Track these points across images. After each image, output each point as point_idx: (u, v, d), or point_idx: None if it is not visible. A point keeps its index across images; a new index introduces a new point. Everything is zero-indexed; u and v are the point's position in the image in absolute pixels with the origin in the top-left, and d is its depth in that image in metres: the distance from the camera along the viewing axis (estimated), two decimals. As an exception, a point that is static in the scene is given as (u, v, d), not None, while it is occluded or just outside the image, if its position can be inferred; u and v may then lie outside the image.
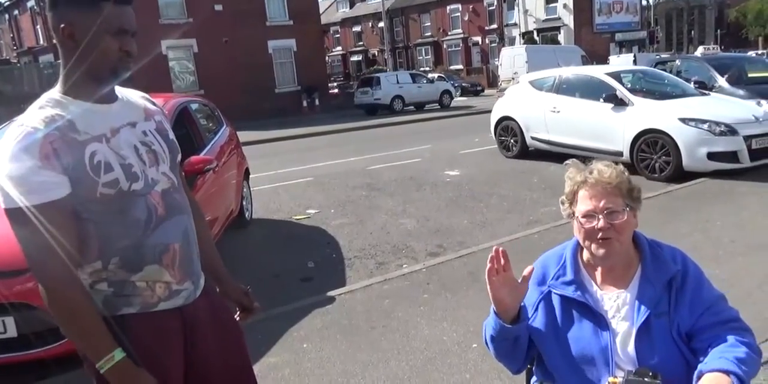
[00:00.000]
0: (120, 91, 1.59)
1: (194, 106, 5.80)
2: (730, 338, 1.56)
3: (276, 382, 3.08)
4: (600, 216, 1.63)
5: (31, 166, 1.32)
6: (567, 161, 1.80)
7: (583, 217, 1.66)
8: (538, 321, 1.74)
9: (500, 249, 1.66)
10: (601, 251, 1.65)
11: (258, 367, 3.22)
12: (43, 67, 26.32)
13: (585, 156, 1.78)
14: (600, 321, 1.67)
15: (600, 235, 1.63)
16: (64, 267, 1.38)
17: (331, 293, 4.25)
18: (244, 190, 6.54)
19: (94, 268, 1.46)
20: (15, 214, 1.34)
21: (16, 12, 35.87)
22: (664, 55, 21.54)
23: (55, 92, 1.47)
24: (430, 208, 6.90)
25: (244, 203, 6.40)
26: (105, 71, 1.45)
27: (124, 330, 1.46)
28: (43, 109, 1.42)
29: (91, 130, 1.43)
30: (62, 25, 1.41)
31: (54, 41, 1.47)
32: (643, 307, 1.63)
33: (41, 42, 30.95)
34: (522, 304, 1.72)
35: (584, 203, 1.67)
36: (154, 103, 1.70)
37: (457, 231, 5.91)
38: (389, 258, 5.22)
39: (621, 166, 1.72)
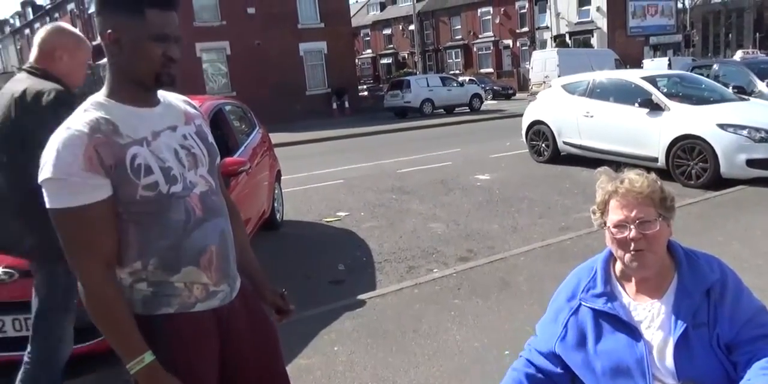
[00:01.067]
0: (162, 94, 1.62)
1: (228, 108, 5.87)
2: None
3: (307, 383, 3.10)
4: (632, 226, 1.61)
5: (75, 168, 1.37)
6: (598, 169, 1.77)
7: (615, 227, 1.64)
8: (569, 337, 1.71)
9: None
10: (635, 264, 1.63)
11: (290, 368, 3.22)
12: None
13: (619, 161, 1.75)
14: (633, 332, 1.64)
15: (633, 246, 1.61)
16: (103, 268, 1.42)
17: (361, 296, 4.26)
18: (276, 191, 6.59)
19: (133, 268, 1.49)
20: (58, 215, 1.40)
21: (56, 15, 36.83)
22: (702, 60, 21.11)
23: (100, 95, 1.51)
24: (461, 212, 6.87)
25: (275, 205, 6.45)
26: (148, 76, 1.49)
27: (162, 329, 1.50)
28: (88, 112, 1.45)
29: (133, 133, 1.46)
30: (108, 31, 1.45)
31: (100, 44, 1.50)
32: (681, 317, 1.60)
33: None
34: None
35: (615, 213, 1.64)
36: (195, 107, 1.73)
37: (488, 236, 5.87)
38: (419, 262, 5.21)
39: (653, 175, 1.69)
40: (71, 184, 1.37)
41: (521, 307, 3.88)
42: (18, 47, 49.64)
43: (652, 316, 1.64)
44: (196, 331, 1.55)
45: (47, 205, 1.40)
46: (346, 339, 3.59)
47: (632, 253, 1.61)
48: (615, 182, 1.66)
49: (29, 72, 2.51)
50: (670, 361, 1.59)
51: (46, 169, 1.38)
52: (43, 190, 1.40)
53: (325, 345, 3.53)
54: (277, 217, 6.55)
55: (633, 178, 1.65)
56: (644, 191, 1.62)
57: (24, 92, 2.37)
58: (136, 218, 1.47)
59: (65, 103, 2.23)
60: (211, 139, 1.69)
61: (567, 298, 1.75)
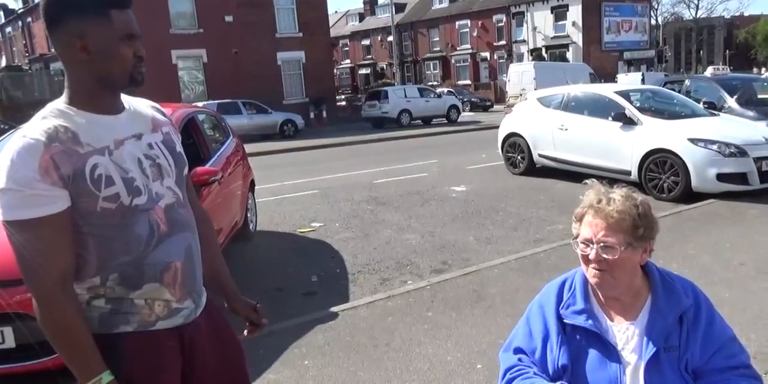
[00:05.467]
0: (128, 100, 1.56)
1: (201, 117, 5.80)
2: None
3: (276, 399, 3.03)
4: (595, 246, 1.58)
5: (29, 179, 1.30)
6: (587, 181, 1.73)
7: (581, 242, 1.62)
8: (563, 357, 1.65)
9: None
10: (595, 280, 1.61)
11: (258, 383, 3.17)
12: (54, 74, 26.56)
13: (592, 175, 1.70)
14: (611, 352, 1.61)
15: (593, 265, 1.59)
16: (58, 282, 1.34)
17: (334, 309, 4.20)
18: (249, 201, 6.52)
19: (92, 284, 1.42)
20: (12, 226, 1.33)
21: (29, 19, 36.26)
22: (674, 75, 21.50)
23: (60, 102, 1.44)
24: (436, 223, 6.85)
25: (248, 215, 6.38)
26: (121, 78, 1.43)
27: (120, 349, 1.43)
28: (47, 120, 1.38)
29: (93, 142, 1.39)
30: (75, 38, 1.38)
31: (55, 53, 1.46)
32: (653, 340, 1.58)
33: (53, 50, 31.21)
34: None
35: (585, 229, 1.62)
36: (163, 114, 1.66)
37: (463, 247, 5.86)
38: (393, 274, 5.17)
39: (638, 200, 1.61)
40: (26, 196, 1.30)
41: (495, 320, 3.86)
42: (-10, 51, 48.74)
43: (627, 338, 1.62)
44: (156, 351, 1.47)
45: (1, 217, 1.33)
46: (317, 353, 3.53)
47: (594, 271, 1.60)
48: (598, 197, 1.61)
49: None
50: (641, 383, 1.58)
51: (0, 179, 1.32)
52: None
53: (296, 359, 3.46)
54: (250, 227, 6.47)
55: (614, 198, 1.59)
56: (614, 216, 1.56)
57: None
58: (97, 231, 1.40)
59: None
60: (179, 148, 1.61)
61: (554, 316, 1.68)
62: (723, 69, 15.10)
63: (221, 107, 18.61)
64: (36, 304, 1.36)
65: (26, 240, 1.32)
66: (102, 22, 1.39)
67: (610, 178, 1.74)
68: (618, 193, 1.62)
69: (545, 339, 1.66)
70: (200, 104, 9.78)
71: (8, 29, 42.17)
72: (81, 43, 1.39)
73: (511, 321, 3.82)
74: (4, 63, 40.89)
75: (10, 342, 3.00)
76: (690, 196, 7.13)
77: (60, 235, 1.34)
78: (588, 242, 1.59)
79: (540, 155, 9.42)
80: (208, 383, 1.60)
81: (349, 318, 4.03)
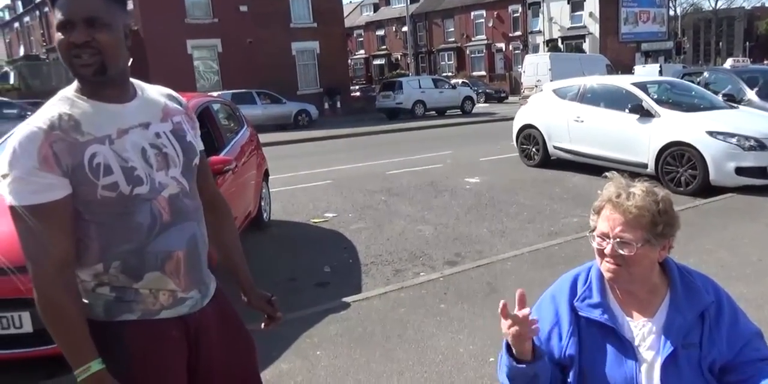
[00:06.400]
0: (142, 88, 1.54)
1: (215, 107, 5.82)
2: None
3: (288, 389, 3.03)
4: (611, 241, 1.54)
5: (29, 167, 1.31)
6: (607, 173, 1.68)
7: (598, 236, 1.58)
8: (571, 347, 1.63)
9: (522, 292, 1.55)
10: (609, 275, 1.58)
11: (270, 372, 3.18)
12: (70, 63, 26.71)
13: (608, 167, 1.65)
14: (627, 348, 1.58)
15: (609, 259, 1.56)
16: (56, 268, 1.35)
17: (346, 299, 4.20)
18: (263, 191, 6.53)
19: (95, 271, 1.43)
20: (13, 212, 1.35)
21: (46, 9, 36.46)
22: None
23: (71, 90, 1.44)
24: (449, 215, 6.83)
25: (262, 204, 6.39)
26: (69, 69, 1.40)
27: (123, 336, 1.43)
28: (52, 108, 1.39)
29: (95, 130, 1.39)
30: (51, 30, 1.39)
31: None
32: (671, 337, 1.55)
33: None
34: (538, 342, 1.61)
35: (602, 223, 1.58)
36: (179, 102, 1.64)
37: (476, 240, 5.83)
38: (406, 265, 5.16)
39: (660, 195, 1.56)
40: (26, 182, 1.32)
41: (507, 314, 3.82)
42: (7, 40, 49.13)
43: (643, 335, 1.59)
44: (158, 339, 1.47)
45: (6, 202, 1.35)
46: (329, 343, 3.53)
47: (609, 265, 1.56)
48: (619, 191, 1.56)
49: None
50: (657, 381, 1.55)
51: (2, 166, 1.33)
52: (1, 186, 1.35)
53: (308, 349, 3.47)
54: (264, 216, 6.48)
55: (634, 192, 1.54)
56: (633, 211, 1.51)
57: None
58: (98, 219, 1.41)
59: None
60: (189, 137, 1.59)
61: (567, 306, 1.66)
62: (743, 61, 14.88)
63: (236, 97, 18.62)
64: (34, 289, 1.37)
65: (26, 226, 1.34)
66: (53, 11, 1.38)
67: (626, 171, 1.68)
68: (639, 188, 1.56)
69: (553, 327, 1.65)
70: (215, 94, 9.82)
71: (26, 19, 42.46)
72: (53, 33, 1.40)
73: (524, 314, 3.81)
74: (22, 52, 41.22)
75: (27, 327, 3.04)
76: (708, 190, 7.03)
77: (59, 222, 1.35)
78: (605, 237, 1.56)
79: (555, 147, 9.34)
80: (215, 372, 1.60)
81: (361, 309, 4.02)
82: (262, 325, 1.81)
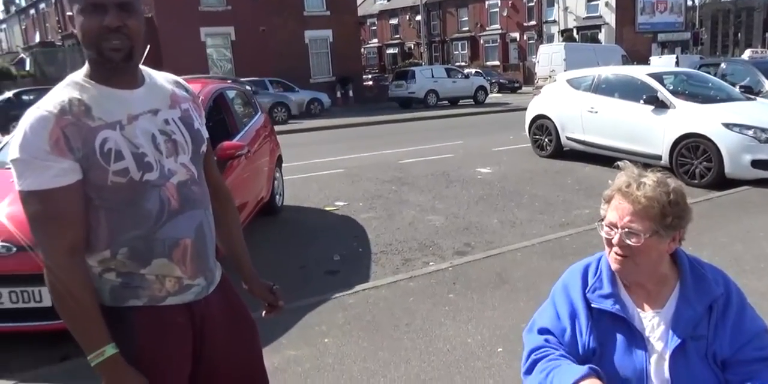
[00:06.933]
0: (150, 74, 1.54)
1: (230, 93, 5.88)
2: None
3: (296, 376, 3.04)
4: (618, 231, 1.52)
5: (40, 150, 1.31)
6: (619, 162, 1.65)
7: (606, 225, 1.56)
8: (593, 341, 1.59)
9: None
10: (616, 266, 1.56)
11: (278, 359, 3.19)
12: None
13: (621, 159, 1.61)
14: (637, 339, 1.57)
15: (616, 249, 1.54)
16: (67, 253, 1.35)
17: (355, 288, 4.20)
18: (276, 176, 6.58)
19: (103, 257, 1.43)
20: (24, 196, 1.34)
21: (61, -5, 36.56)
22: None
23: (79, 75, 1.43)
24: (460, 205, 6.80)
25: (275, 190, 6.45)
26: (94, 53, 1.39)
27: (129, 322, 1.43)
28: (62, 93, 1.38)
29: (105, 116, 1.38)
30: (68, 13, 1.39)
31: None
32: (679, 329, 1.53)
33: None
34: None
35: (612, 212, 1.56)
36: (186, 89, 1.63)
37: (486, 230, 5.81)
38: (416, 255, 5.15)
39: (671, 186, 1.53)
40: (37, 167, 1.31)
41: (517, 304, 3.82)
42: (23, 27, 49.36)
43: (653, 326, 1.58)
44: (164, 325, 1.48)
45: (16, 187, 1.34)
46: (338, 331, 3.53)
47: (615, 255, 1.55)
48: (629, 180, 1.54)
49: None
50: (666, 372, 1.53)
51: (13, 150, 1.32)
52: (12, 170, 1.34)
53: (316, 336, 3.47)
54: (277, 201, 6.56)
55: (645, 183, 1.52)
56: (642, 202, 1.49)
57: None
58: (108, 205, 1.40)
59: None
60: (197, 125, 1.58)
61: (581, 298, 1.63)
62: (762, 52, 14.64)
63: (248, 85, 18.58)
64: (45, 273, 1.37)
65: (37, 210, 1.33)
66: None
67: (640, 162, 1.65)
68: (650, 178, 1.54)
69: (573, 321, 1.62)
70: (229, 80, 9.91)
71: (41, 5, 42.61)
72: (72, 16, 1.38)
73: (533, 305, 3.77)
74: (37, 39, 41.41)
75: (46, 301, 3.11)
76: (722, 182, 6.95)
77: (70, 206, 1.35)
78: (613, 226, 1.54)
79: (568, 138, 9.26)
80: (219, 359, 1.60)
81: (370, 298, 4.03)
82: (263, 312, 1.82)
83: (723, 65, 11.81)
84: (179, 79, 1.67)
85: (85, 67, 1.44)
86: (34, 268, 2.81)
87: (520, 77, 36.80)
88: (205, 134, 1.63)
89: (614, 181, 1.59)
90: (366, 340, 3.41)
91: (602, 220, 1.60)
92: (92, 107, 1.37)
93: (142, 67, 1.52)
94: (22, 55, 36.20)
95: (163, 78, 1.59)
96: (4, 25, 56.04)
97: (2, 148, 4.32)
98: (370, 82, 29.97)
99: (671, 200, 1.51)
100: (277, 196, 6.56)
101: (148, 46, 1.48)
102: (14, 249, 3.16)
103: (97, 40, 1.36)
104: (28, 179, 1.32)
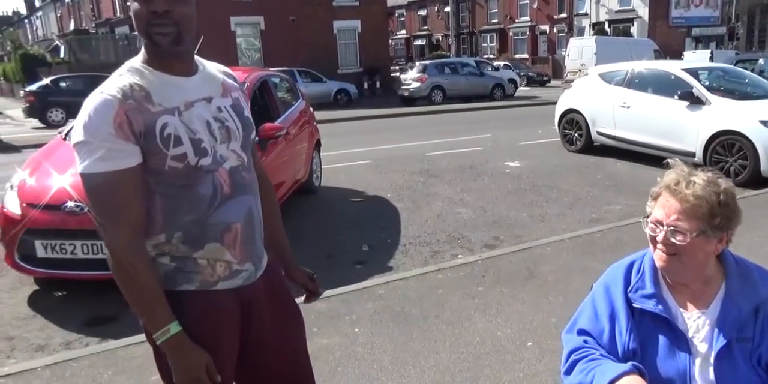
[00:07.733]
0: (202, 63, 1.57)
1: (274, 80, 6.42)
2: None
3: (327, 363, 3.08)
4: (664, 229, 1.50)
5: (104, 133, 1.34)
6: (669, 160, 1.63)
7: (652, 222, 1.54)
8: (633, 342, 1.58)
9: None
10: (661, 263, 1.54)
11: (310, 347, 3.22)
12: (118, 38, 27.24)
13: (653, 155, 1.59)
14: (680, 340, 1.55)
15: (661, 247, 1.51)
16: (129, 235, 1.39)
17: (384, 279, 4.23)
18: (314, 159, 7.05)
19: (158, 241, 1.47)
20: (87, 179, 1.37)
21: (95, -17, 37.02)
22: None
23: (137, 61, 1.47)
24: (488, 198, 6.78)
25: (314, 171, 6.95)
26: (144, 37, 1.43)
27: (182, 306, 1.46)
28: (123, 77, 1.42)
29: (165, 101, 1.42)
30: (128, 4, 1.42)
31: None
32: (725, 330, 1.51)
33: (118, 14, 31.92)
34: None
35: (659, 209, 1.53)
36: (234, 79, 1.67)
37: (515, 224, 5.79)
38: (444, 247, 5.16)
39: (722, 187, 1.50)
40: (101, 149, 1.34)
41: (546, 299, 3.81)
42: (58, 15, 50.13)
43: (697, 327, 1.56)
44: (215, 310, 1.51)
45: (78, 169, 1.37)
46: (367, 321, 3.57)
47: (661, 253, 1.53)
48: (678, 178, 1.51)
49: None
50: (711, 374, 1.51)
51: (77, 133, 1.36)
52: (75, 153, 1.37)
53: (346, 325, 3.51)
54: (315, 181, 7.04)
55: (696, 181, 1.49)
56: (690, 200, 1.46)
57: None
58: (164, 189, 1.44)
59: None
60: (247, 113, 1.62)
61: (622, 298, 1.61)
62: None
63: (276, 75, 18.61)
64: (108, 255, 1.41)
65: (99, 193, 1.37)
66: None
67: (673, 158, 1.61)
68: (701, 177, 1.51)
69: (612, 322, 1.60)
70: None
71: (76, -7, 43.22)
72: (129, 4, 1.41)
73: (563, 300, 3.78)
74: (72, 27, 42.05)
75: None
76: (758, 181, 6.82)
77: (132, 189, 1.38)
78: (658, 224, 1.52)
79: (599, 133, 9.16)
80: (266, 345, 1.64)
81: (399, 289, 4.05)
82: (303, 299, 1.85)
83: (761, 61, 11.56)
84: (228, 69, 1.70)
85: (142, 54, 1.47)
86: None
87: (548, 71, 36.34)
88: (253, 123, 1.67)
89: (662, 179, 1.57)
90: (395, 330, 3.44)
91: (647, 216, 1.58)
92: (152, 93, 1.41)
93: (195, 56, 1.55)
94: (57, 42, 36.78)
95: (214, 67, 1.63)
96: (40, 13, 56.95)
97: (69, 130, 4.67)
98: (398, 74, 29.79)
99: (721, 201, 1.48)
100: (315, 177, 7.04)
101: (202, 37, 1.50)
102: (86, 208, 3.40)
103: (146, 24, 1.40)
104: (93, 162, 1.35)
